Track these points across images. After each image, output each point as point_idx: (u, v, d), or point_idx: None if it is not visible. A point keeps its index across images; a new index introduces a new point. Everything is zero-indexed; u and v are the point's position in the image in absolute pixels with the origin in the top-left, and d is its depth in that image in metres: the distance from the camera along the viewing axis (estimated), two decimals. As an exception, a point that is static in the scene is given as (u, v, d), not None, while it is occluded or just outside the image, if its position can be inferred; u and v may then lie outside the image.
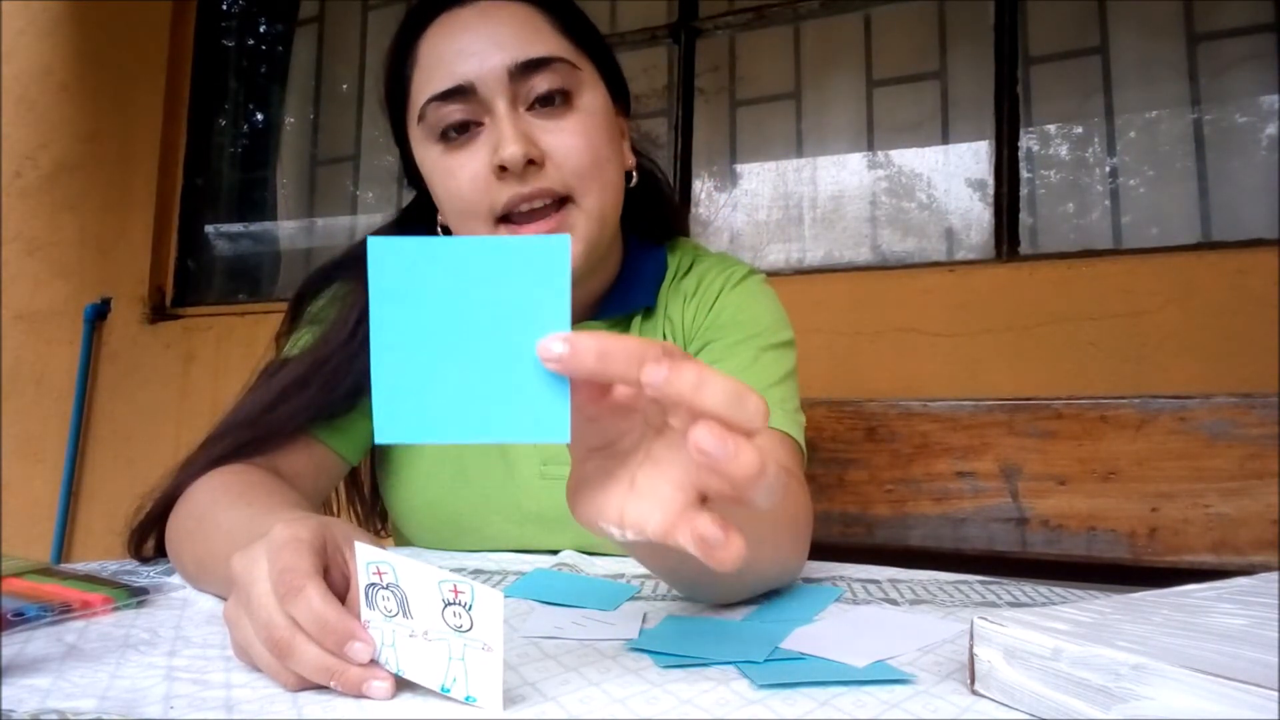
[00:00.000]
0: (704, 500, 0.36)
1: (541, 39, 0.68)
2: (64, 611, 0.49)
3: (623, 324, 0.79)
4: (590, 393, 0.36)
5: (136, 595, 0.54)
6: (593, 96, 0.70)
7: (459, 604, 0.34)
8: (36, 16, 2.58)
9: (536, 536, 0.74)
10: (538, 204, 0.66)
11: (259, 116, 2.59)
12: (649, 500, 0.36)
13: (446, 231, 0.74)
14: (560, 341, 0.34)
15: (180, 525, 0.61)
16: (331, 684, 0.36)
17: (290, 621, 0.37)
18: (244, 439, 0.67)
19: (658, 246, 0.83)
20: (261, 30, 2.62)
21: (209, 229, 2.45)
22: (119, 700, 0.36)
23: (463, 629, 0.34)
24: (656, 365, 0.33)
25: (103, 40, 2.47)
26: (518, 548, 0.75)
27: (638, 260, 0.80)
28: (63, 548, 2.29)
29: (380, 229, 0.81)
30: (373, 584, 0.36)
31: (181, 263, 2.38)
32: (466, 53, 0.66)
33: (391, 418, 0.35)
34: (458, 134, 0.67)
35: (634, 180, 0.76)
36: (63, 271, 2.43)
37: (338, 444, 0.72)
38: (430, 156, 0.69)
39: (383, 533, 0.93)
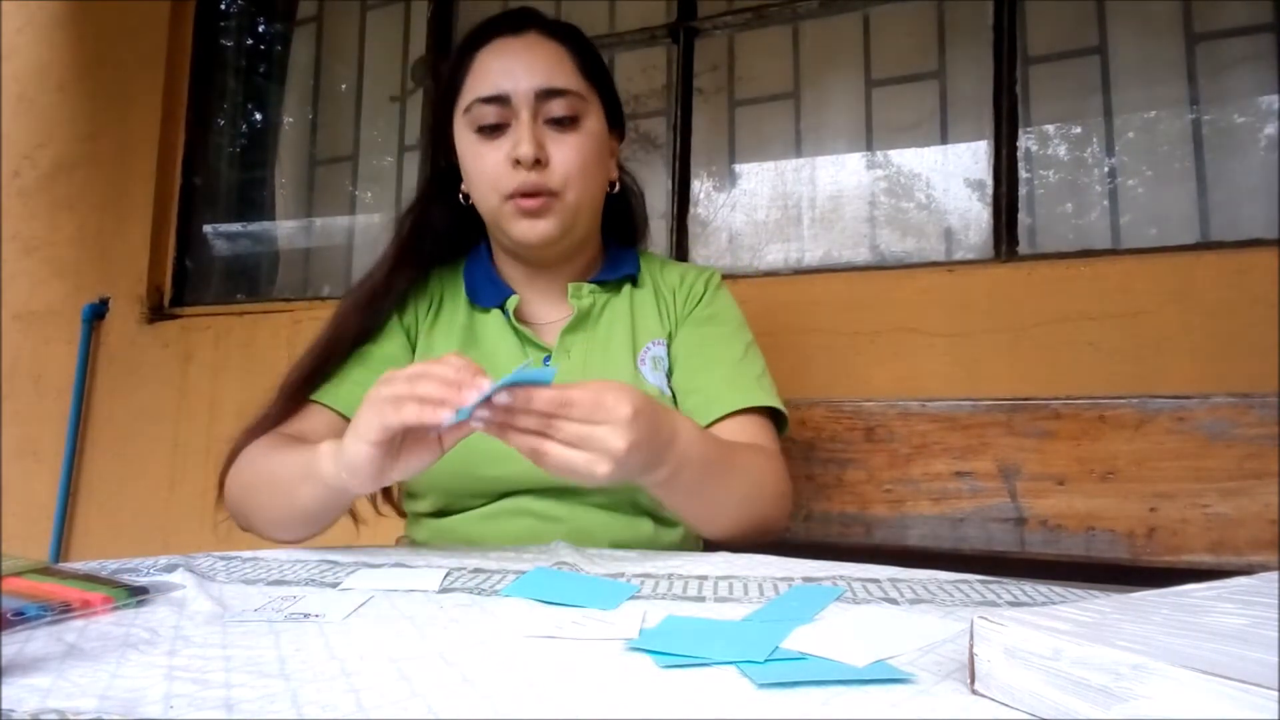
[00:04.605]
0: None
1: (564, 72, 0.90)
2: (64, 611, 0.49)
3: (614, 288, 0.98)
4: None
5: (136, 594, 0.54)
6: (594, 121, 0.92)
7: None
8: (35, 16, 2.57)
9: None
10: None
11: (257, 116, 2.58)
12: None
13: (467, 198, 0.95)
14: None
15: (241, 478, 0.83)
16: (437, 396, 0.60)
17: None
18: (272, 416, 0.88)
19: (630, 249, 1.04)
20: (260, 30, 2.61)
21: (207, 229, 2.44)
22: (119, 700, 0.36)
23: None
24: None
25: (101, 40, 2.46)
26: (540, 483, 0.86)
27: (615, 254, 1.02)
28: (62, 547, 2.29)
29: (414, 200, 1.01)
30: None
31: (180, 262, 2.37)
32: (508, 72, 0.89)
33: None
34: (490, 129, 0.89)
35: (615, 188, 0.99)
36: (61, 271, 2.43)
37: (332, 401, 0.89)
38: (467, 140, 0.91)
39: (382, 511, 0.99)
